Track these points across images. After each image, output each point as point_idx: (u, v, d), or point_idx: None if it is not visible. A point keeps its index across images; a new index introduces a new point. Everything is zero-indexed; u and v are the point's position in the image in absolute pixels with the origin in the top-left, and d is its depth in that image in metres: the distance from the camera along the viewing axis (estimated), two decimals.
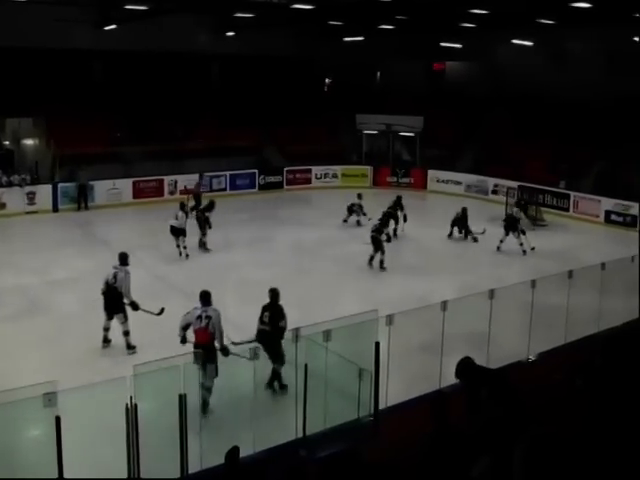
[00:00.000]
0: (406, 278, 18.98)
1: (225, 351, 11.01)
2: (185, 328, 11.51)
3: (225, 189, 31.62)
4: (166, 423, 8.75)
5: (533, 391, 7.53)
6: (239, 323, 15.03)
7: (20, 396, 7.24)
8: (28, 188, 27.29)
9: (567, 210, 27.78)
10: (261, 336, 11.86)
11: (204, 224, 22.19)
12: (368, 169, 34.65)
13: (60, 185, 27.88)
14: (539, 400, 7.35)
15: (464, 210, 23.99)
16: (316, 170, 33.98)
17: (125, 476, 8.29)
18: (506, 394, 7.01)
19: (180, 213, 21.40)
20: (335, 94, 39.53)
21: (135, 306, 13.97)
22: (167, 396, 8.60)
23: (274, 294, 12.31)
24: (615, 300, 14.16)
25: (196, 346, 11.10)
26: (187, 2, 24.09)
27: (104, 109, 30.98)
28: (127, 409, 7.98)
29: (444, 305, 11.03)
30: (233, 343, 11.43)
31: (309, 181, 33.81)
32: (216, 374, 10.68)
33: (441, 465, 6.30)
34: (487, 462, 5.64)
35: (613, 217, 26.85)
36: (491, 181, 29.79)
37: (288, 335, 9.94)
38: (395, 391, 10.38)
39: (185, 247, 21.28)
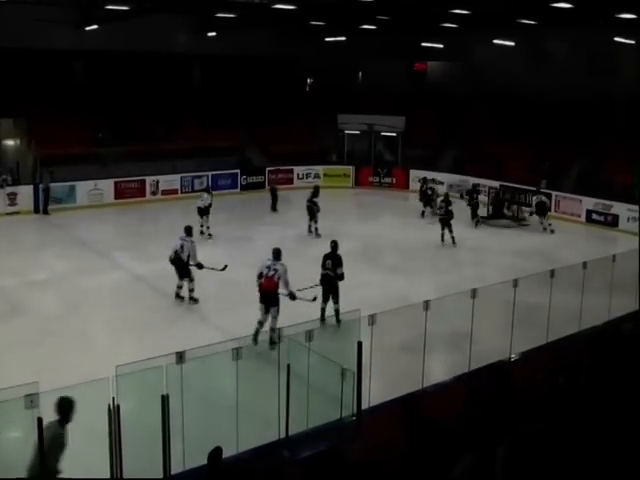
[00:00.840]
0: (386, 278, 19.00)
1: (292, 296, 14.05)
2: (260, 276, 14.10)
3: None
4: (148, 424, 8.71)
5: (516, 390, 7.54)
6: (220, 323, 15.11)
7: (1, 398, 7.17)
8: (9, 189, 27.12)
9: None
10: (324, 279, 15.32)
11: (314, 212, 23.70)
12: (350, 169, 34.69)
13: (41, 186, 27.66)
14: (521, 399, 7.38)
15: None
16: (298, 170, 33.96)
17: (108, 477, 8.25)
18: (490, 392, 7.05)
19: (206, 195, 24.04)
20: (317, 94, 39.57)
21: (200, 266, 16.71)
22: (149, 396, 8.56)
23: (335, 245, 15.76)
24: (596, 299, 14.27)
25: (262, 291, 13.96)
26: (168, 2, 24.02)
27: (85, 109, 30.82)
28: (109, 409, 7.93)
29: (426, 305, 11.04)
30: (298, 290, 14.30)
31: (291, 181, 33.75)
32: (277, 313, 13.74)
33: (423, 464, 6.32)
34: (470, 461, 5.65)
35: (594, 216, 26.99)
36: (472, 180, 29.83)
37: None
38: (378, 391, 10.38)
39: (208, 227, 23.32)
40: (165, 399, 8.23)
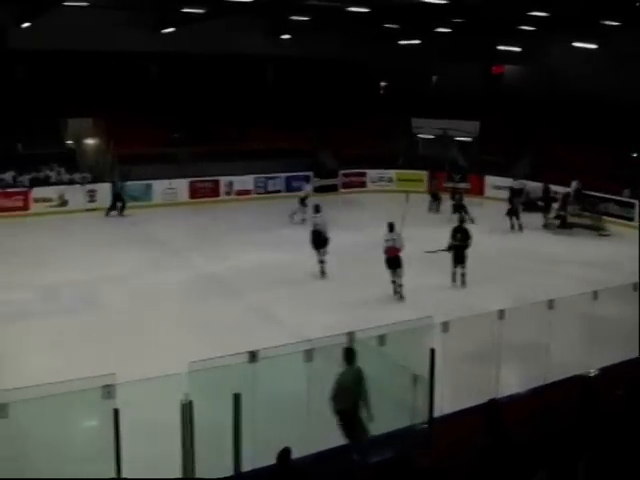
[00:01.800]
0: (459, 285, 18.77)
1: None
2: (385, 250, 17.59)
3: (280, 191, 31.78)
4: (219, 421, 8.76)
5: (594, 406, 7.34)
6: (290, 323, 15.16)
7: (79, 387, 7.31)
8: (89, 186, 27.95)
9: (632, 220, 26.63)
10: (455, 247, 18.83)
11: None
12: (424, 174, 34.35)
13: (117, 183, 28.26)
14: (600, 415, 7.18)
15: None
16: (371, 174, 33.89)
17: (179, 472, 8.31)
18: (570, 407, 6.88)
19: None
20: (390, 97, 39.39)
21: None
22: (221, 394, 8.61)
23: (461, 219, 20.48)
24: None
25: (388, 259, 17.51)
26: (243, 5, 24.21)
27: (161, 110, 31.40)
28: (182, 406, 8.01)
29: (501, 314, 10.84)
30: (426, 252, 19.22)
31: (364, 185, 33.69)
32: (402, 272, 17.40)
33: (495, 476, 6.21)
34: (545, 476, 5.52)
35: None
36: (550, 187, 29.11)
37: (343, 339, 9.87)
38: (449, 399, 10.24)
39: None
40: (238, 397, 8.26)
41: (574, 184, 27.11)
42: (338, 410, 10.02)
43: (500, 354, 11.06)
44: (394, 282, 17.53)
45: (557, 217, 26.13)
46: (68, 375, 8.17)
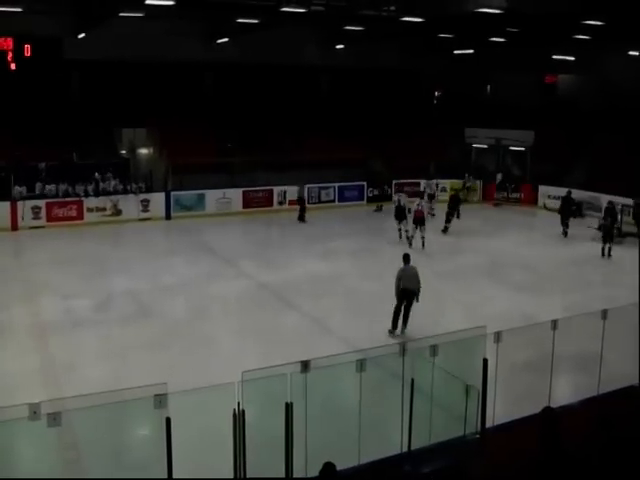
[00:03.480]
0: (512, 295, 18.55)
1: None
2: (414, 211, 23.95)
3: (334, 200, 31.87)
4: (271, 430, 8.77)
5: None
6: (343, 333, 15.12)
7: (131, 396, 7.38)
8: (142, 196, 28.27)
9: None
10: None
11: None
12: (477, 183, 34.13)
13: (173, 193, 28.62)
14: None
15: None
16: (424, 184, 33.66)
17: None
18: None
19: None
20: (444, 107, 39.23)
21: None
22: (273, 403, 8.62)
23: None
24: None
25: (416, 217, 23.75)
26: (297, 15, 24.33)
27: (214, 120, 31.71)
28: (235, 414, 8.03)
29: (554, 324, 10.67)
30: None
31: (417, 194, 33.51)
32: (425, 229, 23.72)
33: None
34: None
35: None
36: (604, 197, 28.72)
37: (395, 349, 9.82)
38: (501, 410, 10.12)
39: (407, 231, 24.53)
40: (289, 407, 8.26)
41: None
42: (405, 289, 15.11)
43: (553, 364, 10.86)
44: (412, 236, 23.82)
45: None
46: (122, 384, 8.27)
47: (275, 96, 33.78)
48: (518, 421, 9.53)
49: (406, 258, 15.56)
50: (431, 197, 29.12)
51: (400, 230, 24.76)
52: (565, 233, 25.81)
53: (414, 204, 24.27)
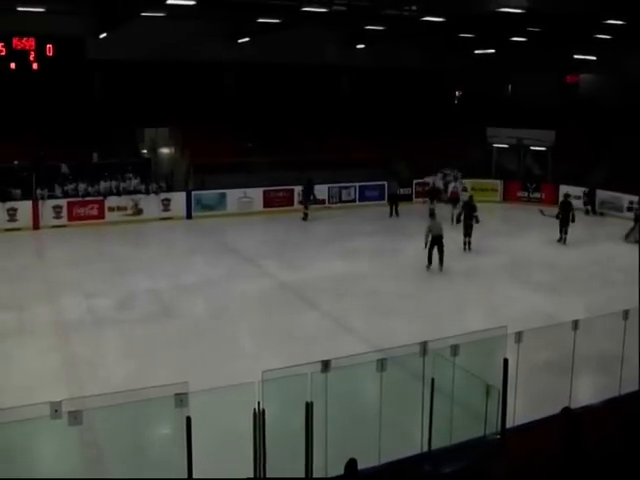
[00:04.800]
0: (533, 295, 18.44)
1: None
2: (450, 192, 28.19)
3: (354, 200, 31.85)
4: (291, 430, 8.77)
5: None
6: (364, 333, 15.11)
7: (152, 395, 7.40)
8: (163, 195, 28.37)
9: None
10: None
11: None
12: (498, 183, 33.98)
13: (194, 193, 28.72)
14: None
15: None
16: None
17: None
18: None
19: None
20: (465, 107, 39.13)
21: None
22: (293, 403, 8.62)
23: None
24: None
25: (452, 197, 27.61)
26: (319, 15, 24.37)
27: (236, 120, 31.78)
28: (255, 414, 8.04)
29: (575, 324, 10.60)
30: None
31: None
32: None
33: None
34: None
35: None
36: (626, 198, 28.51)
37: (416, 349, 9.79)
38: (522, 410, 10.07)
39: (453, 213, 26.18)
40: (309, 406, 8.26)
41: None
42: (435, 236, 19.92)
43: (574, 365, 10.80)
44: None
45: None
46: (143, 382, 8.30)
47: (296, 96, 33.82)
48: (538, 421, 9.48)
49: (432, 214, 22.77)
50: (438, 192, 29.68)
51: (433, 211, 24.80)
52: (564, 240, 24.38)
53: (450, 185, 28.60)
